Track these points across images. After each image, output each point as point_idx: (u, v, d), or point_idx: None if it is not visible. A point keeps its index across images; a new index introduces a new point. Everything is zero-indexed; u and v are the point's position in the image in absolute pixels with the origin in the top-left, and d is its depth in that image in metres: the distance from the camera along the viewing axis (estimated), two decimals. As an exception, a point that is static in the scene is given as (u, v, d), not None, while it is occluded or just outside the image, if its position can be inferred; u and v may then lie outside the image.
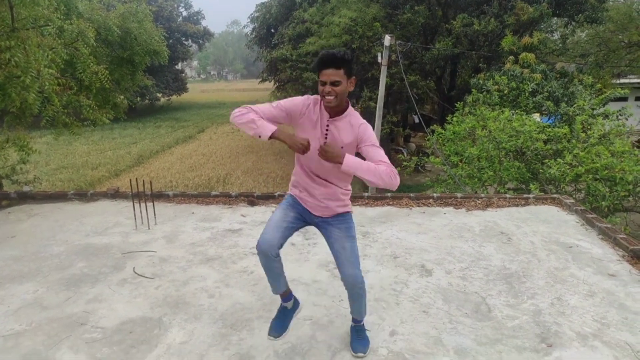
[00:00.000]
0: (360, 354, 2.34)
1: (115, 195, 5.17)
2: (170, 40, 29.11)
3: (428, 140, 10.08)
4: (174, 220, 4.48)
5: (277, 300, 2.91)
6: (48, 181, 14.44)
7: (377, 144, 2.09)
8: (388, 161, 2.00)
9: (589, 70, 15.37)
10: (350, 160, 1.96)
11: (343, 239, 2.22)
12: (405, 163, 9.49)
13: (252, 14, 26.82)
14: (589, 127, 7.93)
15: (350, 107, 2.13)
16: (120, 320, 2.68)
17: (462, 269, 3.41)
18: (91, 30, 5.86)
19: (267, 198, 5.08)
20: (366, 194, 5.23)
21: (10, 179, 8.54)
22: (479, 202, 5.00)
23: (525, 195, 5.23)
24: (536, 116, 9.71)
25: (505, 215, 4.65)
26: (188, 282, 3.17)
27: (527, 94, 10.76)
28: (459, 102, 10.59)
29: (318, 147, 2.01)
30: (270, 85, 26.65)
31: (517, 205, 4.94)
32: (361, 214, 4.65)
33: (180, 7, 41.02)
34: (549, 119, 10.05)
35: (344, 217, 2.27)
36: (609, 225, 4.12)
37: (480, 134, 8.13)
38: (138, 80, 9.11)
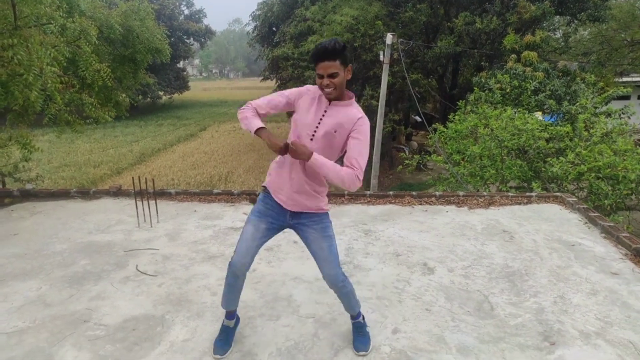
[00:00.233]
0: (362, 353, 2.34)
1: (118, 193, 5.18)
2: (172, 39, 29.15)
3: (430, 138, 10.05)
4: (176, 218, 4.49)
5: (280, 297, 2.93)
6: (50, 179, 14.49)
7: (366, 139, 2.06)
8: (362, 160, 2.02)
9: (591, 69, 15.32)
10: (317, 158, 1.99)
11: (320, 239, 2.21)
12: (407, 161, 9.49)
13: (253, 12, 26.81)
14: (591, 125, 7.90)
15: (354, 101, 2.14)
16: (123, 318, 2.69)
17: (465, 267, 3.40)
18: (93, 28, 5.86)
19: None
20: (368, 192, 5.23)
21: (12, 177, 8.58)
22: (481, 200, 4.99)
23: (527, 194, 5.23)
24: (538, 114, 9.67)
25: (508, 213, 4.64)
26: (190, 280, 3.18)
27: (529, 92, 10.72)
28: (461, 101, 10.55)
29: (302, 135, 2.10)
30: (272, 83, 26.60)
31: (519, 204, 4.93)
32: (363, 212, 4.65)
33: (182, 5, 41.13)
34: (551, 117, 10.00)
35: (320, 217, 2.23)
36: (611, 224, 4.11)
37: (482, 132, 8.11)
38: (140, 79, 9.11)
